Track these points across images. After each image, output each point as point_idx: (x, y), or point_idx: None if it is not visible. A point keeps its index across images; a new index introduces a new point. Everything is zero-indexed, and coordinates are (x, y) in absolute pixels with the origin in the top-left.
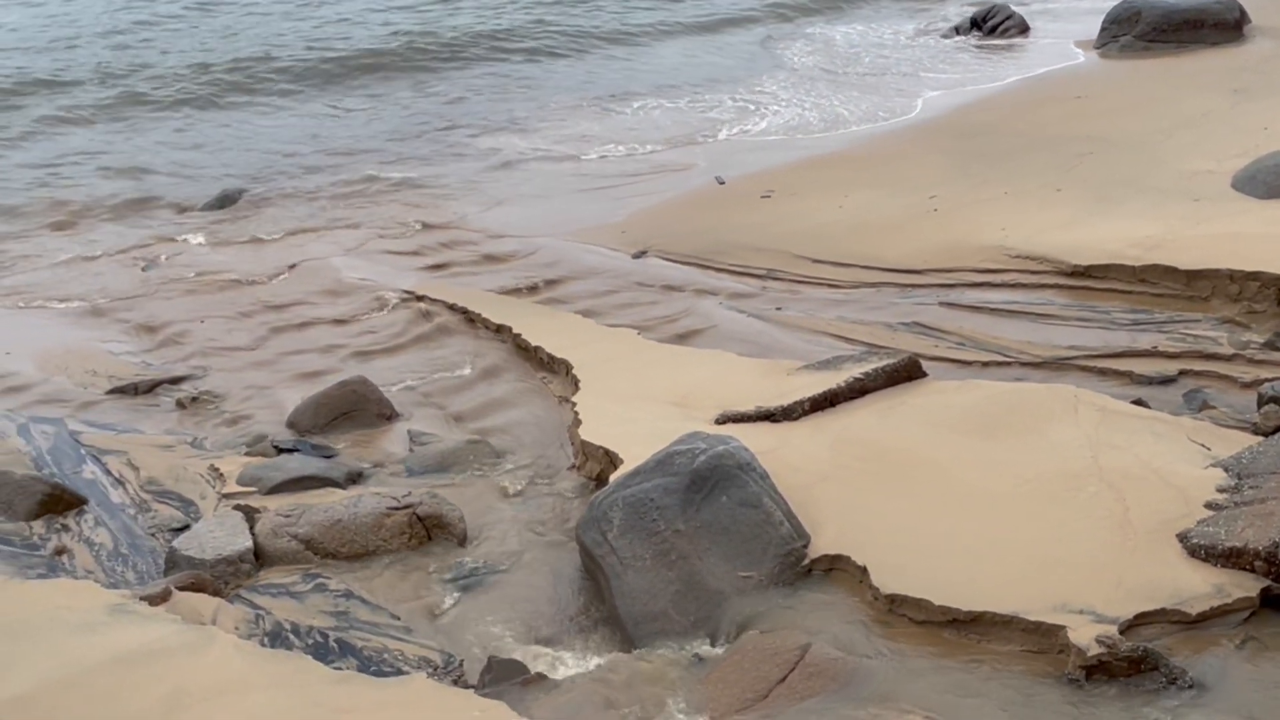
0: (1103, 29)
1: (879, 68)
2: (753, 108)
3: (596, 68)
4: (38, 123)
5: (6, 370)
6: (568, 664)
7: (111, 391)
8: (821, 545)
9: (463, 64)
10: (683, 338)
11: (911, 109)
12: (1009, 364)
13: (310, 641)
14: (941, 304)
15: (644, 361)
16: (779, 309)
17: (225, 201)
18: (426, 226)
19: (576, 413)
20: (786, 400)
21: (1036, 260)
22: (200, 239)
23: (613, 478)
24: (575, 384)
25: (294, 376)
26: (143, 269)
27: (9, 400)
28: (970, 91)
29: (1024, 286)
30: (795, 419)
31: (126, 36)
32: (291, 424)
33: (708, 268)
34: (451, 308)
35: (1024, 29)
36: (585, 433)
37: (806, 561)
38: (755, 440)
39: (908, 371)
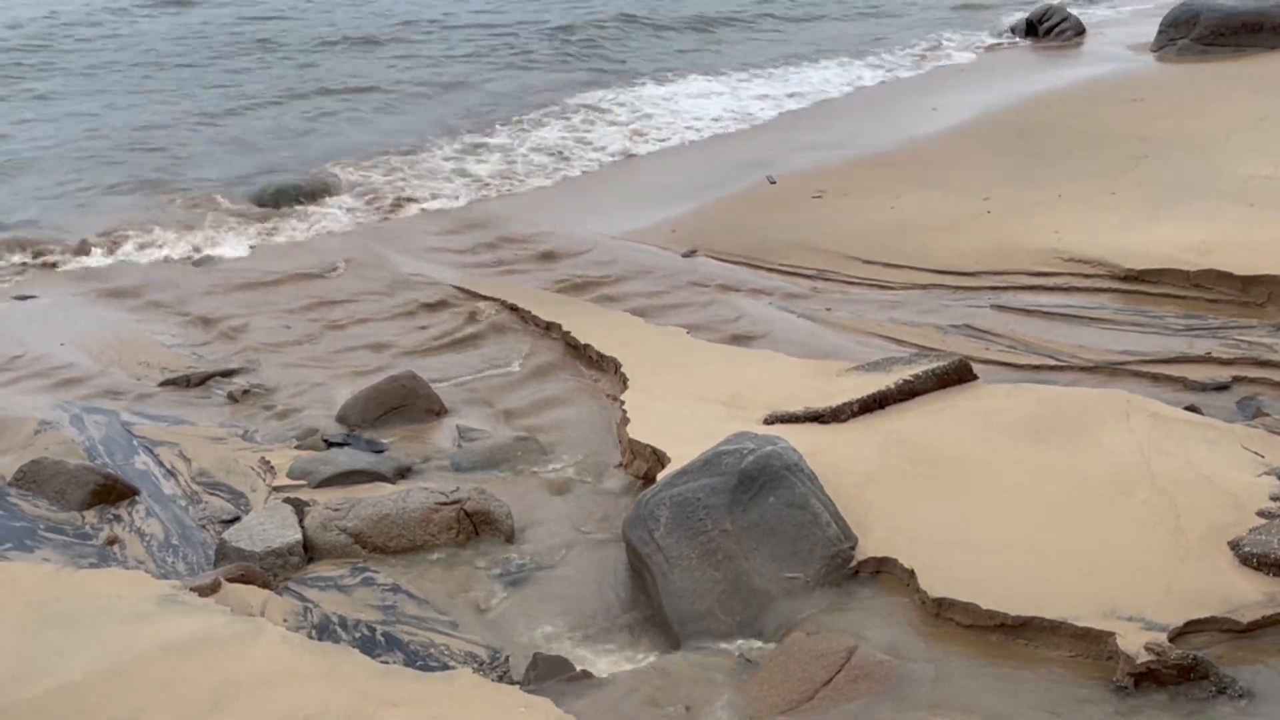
0: (1160, 32)
1: (933, 68)
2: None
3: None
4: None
5: (63, 362)
6: (613, 662)
7: (164, 384)
8: (869, 547)
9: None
10: (733, 338)
11: (965, 110)
12: (1061, 368)
13: (357, 635)
14: (993, 306)
15: (692, 361)
16: (829, 310)
17: (280, 195)
18: (480, 224)
19: (624, 411)
20: (835, 401)
21: (1090, 263)
22: (252, 232)
23: (660, 476)
24: (624, 382)
25: (345, 371)
26: (194, 263)
27: (66, 392)
28: (1025, 93)
29: (1077, 290)
30: (844, 420)
31: None
32: (341, 418)
33: (758, 268)
34: (502, 305)
35: (1080, 31)
36: (633, 431)
37: (854, 563)
38: (803, 441)
39: (958, 374)
